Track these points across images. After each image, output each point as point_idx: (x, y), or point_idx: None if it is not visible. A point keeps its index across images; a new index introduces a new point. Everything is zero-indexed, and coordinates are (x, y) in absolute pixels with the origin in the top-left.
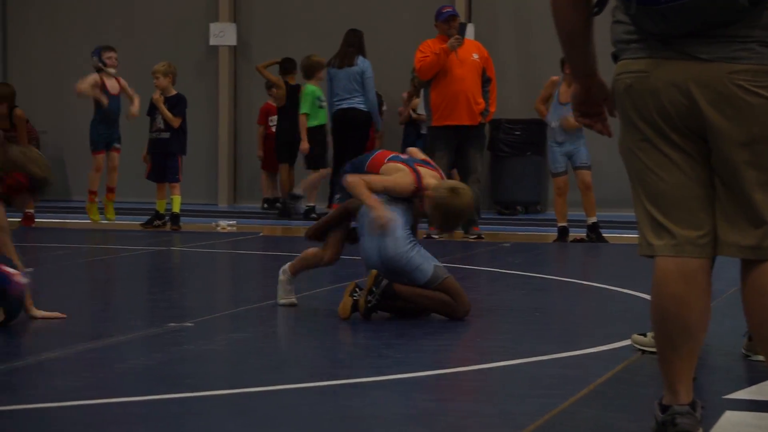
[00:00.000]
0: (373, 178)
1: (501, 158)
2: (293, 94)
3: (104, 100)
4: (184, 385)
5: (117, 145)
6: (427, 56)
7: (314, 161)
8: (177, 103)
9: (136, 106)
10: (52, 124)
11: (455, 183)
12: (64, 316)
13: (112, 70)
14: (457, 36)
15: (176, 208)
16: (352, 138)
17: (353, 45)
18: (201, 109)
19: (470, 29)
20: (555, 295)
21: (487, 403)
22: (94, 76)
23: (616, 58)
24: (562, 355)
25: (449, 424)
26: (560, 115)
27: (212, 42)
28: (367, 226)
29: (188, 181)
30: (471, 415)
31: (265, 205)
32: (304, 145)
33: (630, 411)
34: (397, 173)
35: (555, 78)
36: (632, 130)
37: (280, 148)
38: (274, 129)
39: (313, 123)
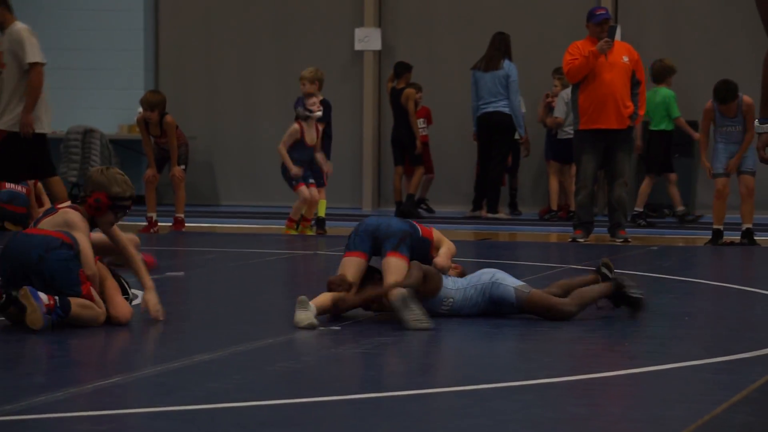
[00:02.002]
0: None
1: None
2: (395, 97)
3: (293, 169)
4: (332, 388)
5: (312, 181)
6: (576, 59)
7: (661, 166)
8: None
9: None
10: (201, 130)
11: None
12: (162, 319)
13: (318, 114)
14: (607, 39)
15: (321, 213)
16: (497, 142)
17: (499, 48)
18: (346, 114)
19: (617, 31)
20: (705, 299)
21: (638, 408)
22: (294, 130)
23: None
24: (712, 361)
25: (599, 428)
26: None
27: (357, 47)
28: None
29: (333, 186)
30: (621, 420)
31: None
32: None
33: None
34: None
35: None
36: None
37: (393, 151)
38: (422, 132)
39: (662, 127)
